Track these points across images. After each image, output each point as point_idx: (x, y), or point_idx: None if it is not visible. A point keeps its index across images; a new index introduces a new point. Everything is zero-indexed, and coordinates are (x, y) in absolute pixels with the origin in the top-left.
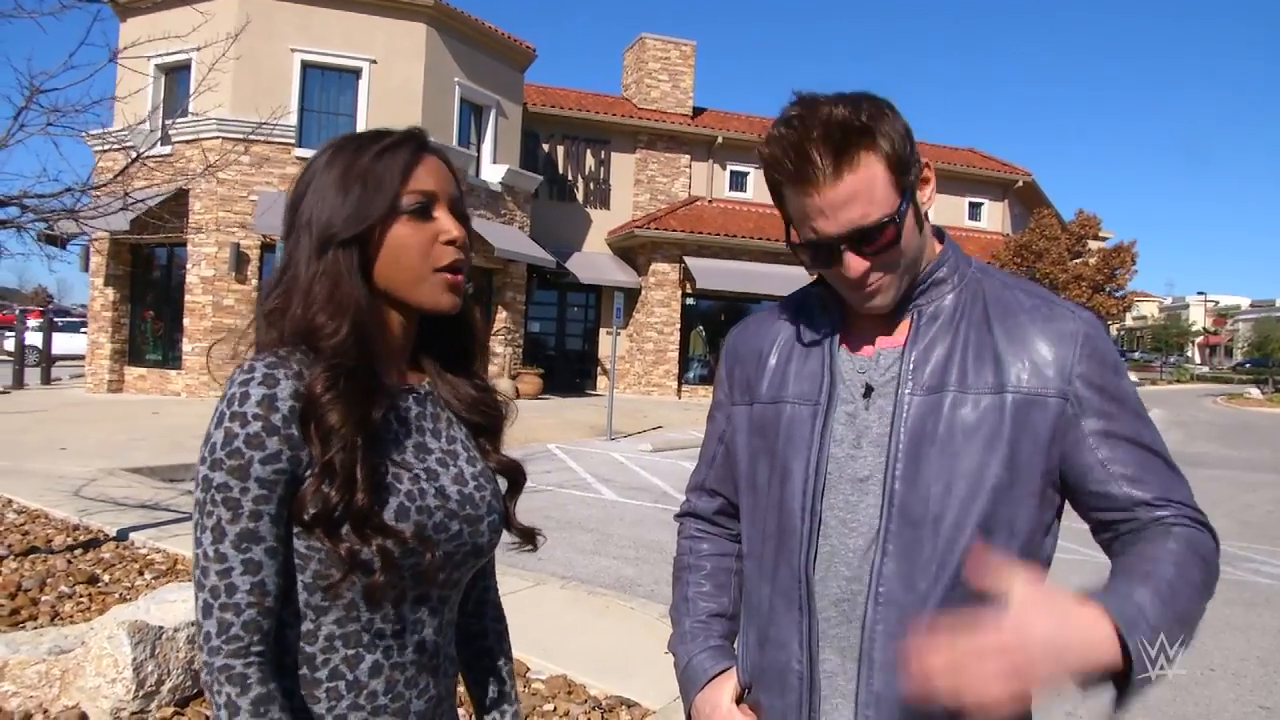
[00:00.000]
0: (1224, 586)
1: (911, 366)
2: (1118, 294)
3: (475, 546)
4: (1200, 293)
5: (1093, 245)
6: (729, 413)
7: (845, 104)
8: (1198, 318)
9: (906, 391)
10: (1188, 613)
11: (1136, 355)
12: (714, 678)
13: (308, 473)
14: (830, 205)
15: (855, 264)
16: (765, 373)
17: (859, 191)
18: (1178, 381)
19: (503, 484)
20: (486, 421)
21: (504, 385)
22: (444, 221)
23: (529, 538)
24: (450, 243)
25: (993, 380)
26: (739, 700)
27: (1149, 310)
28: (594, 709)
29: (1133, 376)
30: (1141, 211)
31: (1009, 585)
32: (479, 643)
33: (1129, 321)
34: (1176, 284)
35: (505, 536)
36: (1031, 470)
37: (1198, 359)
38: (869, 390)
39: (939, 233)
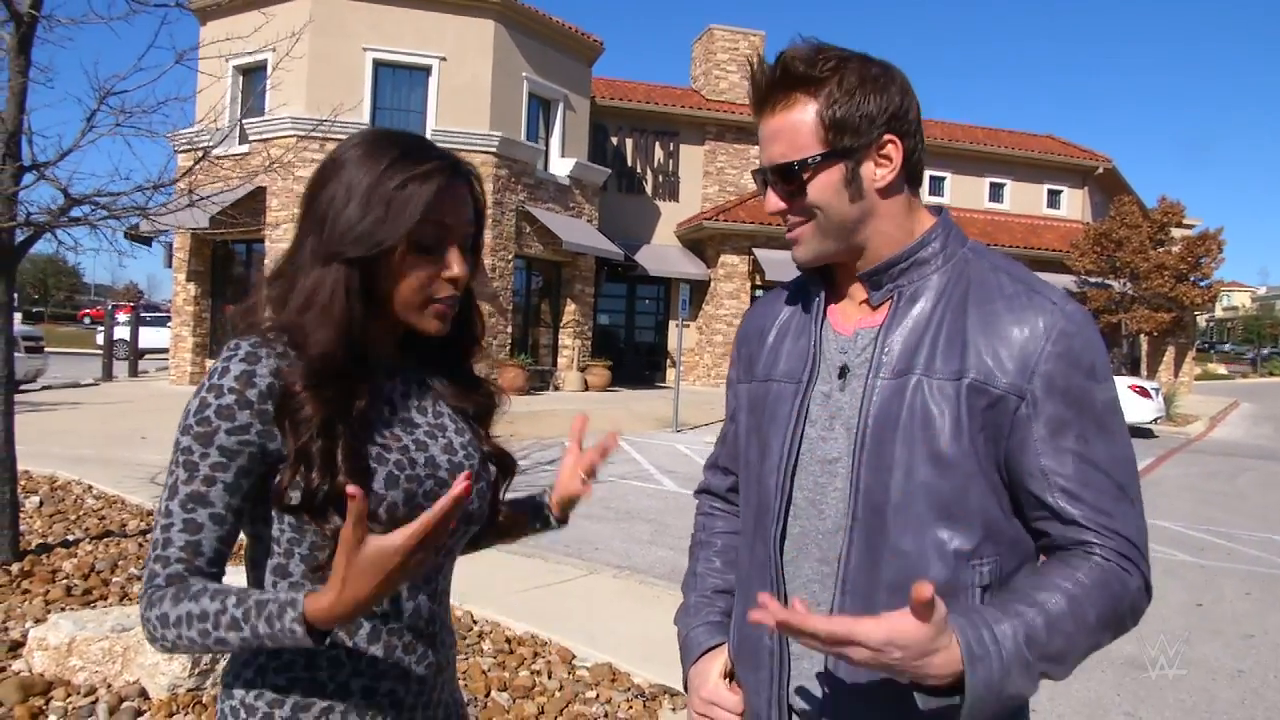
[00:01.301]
0: None
1: (885, 349)
2: (1203, 283)
3: (465, 514)
4: None
5: (1176, 233)
6: (736, 391)
7: (814, 54)
8: None
9: (876, 376)
10: (1063, 651)
11: (1226, 347)
12: (706, 652)
13: (284, 451)
14: (764, 137)
15: (771, 199)
16: (764, 351)
17: (783, 130)
18: (1270, 374)
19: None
20: (477, 409)
21: (572, 377)
22: (451, 258)
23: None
24: (451, 280)
25: (957, 366)
26: (731, 675)
27: (1241, 300)
28: (636, 697)
29: (1221, 369)
30: (1234, 198)
31: (924, 602)
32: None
33: (1218, 312)
34: (1271, 272)
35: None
36: (993, 460)
37: None
38: (844, 371)
39: (936, 210)
